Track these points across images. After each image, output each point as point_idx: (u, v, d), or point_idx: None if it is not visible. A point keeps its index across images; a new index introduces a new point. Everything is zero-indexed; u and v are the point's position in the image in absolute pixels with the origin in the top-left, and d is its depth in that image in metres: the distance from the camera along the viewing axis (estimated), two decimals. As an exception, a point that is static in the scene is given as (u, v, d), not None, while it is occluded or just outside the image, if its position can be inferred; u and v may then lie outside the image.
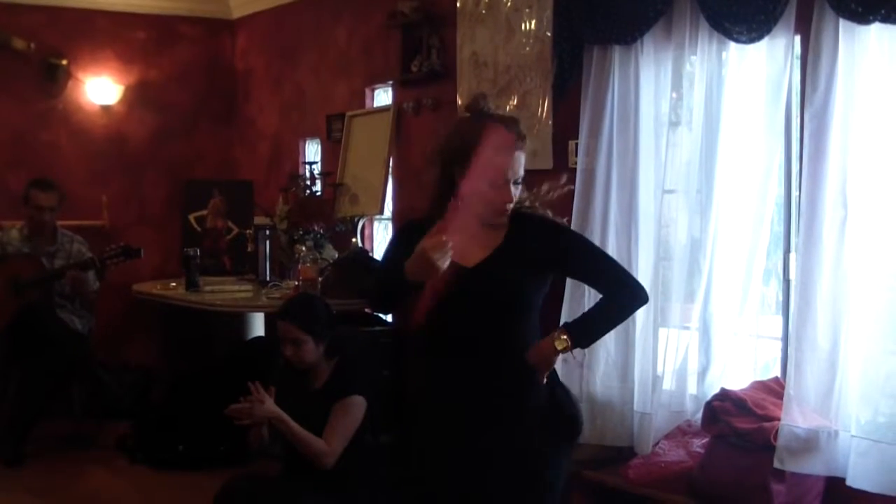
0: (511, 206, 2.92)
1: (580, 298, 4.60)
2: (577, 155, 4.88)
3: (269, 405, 3.75)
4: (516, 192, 2.92)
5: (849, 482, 3.71)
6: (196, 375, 6.09)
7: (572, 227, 4.67)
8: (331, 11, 7.10)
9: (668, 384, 4.46)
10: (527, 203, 3.05)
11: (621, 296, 3.04)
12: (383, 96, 6.82)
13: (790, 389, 3.89)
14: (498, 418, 2.94)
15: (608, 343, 4.59)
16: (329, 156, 7.11)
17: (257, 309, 6.20)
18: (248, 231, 7.05)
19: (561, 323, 4.63)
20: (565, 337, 2.93)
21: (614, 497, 4.34)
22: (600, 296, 3.09)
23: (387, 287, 3.00)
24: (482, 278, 2.92)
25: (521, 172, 2.92)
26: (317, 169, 6.95)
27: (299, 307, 4.08)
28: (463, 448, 2.96)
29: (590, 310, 3.12)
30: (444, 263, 2.71)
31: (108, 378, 6.67)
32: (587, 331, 3.04)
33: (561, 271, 3.15)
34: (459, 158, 2.88)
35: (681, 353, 4.43)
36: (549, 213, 3.08)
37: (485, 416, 2.95)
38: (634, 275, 4.41)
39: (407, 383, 4.48)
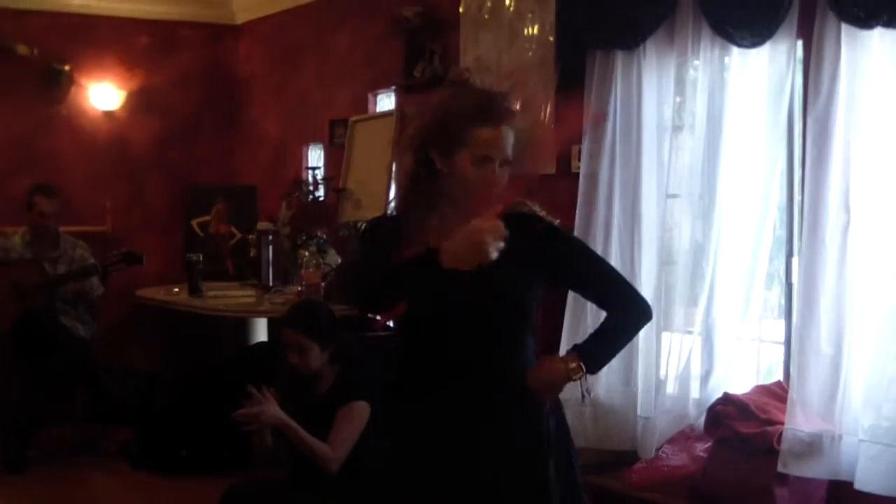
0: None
1: (579, 313, 4.63)
2: (579, 159, 4.88)
3: (276, 410, 3.75)
4: (504, 174, 2.53)
5: (857, 486, 3.71)
6: (199, 381, 6.08)
7: (575, 232, 4.68)
8: (334, 17, 7.10)
9: (671, 388, 4.47)
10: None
11: (627, 313, 2.70)
12: (386, 101, 6.82)
13: (793, 393, 3.90)
14: (500, 448, 2.57)
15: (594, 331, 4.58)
16: (332, 161, 7.11)
17: (260, 314, 6.19)
18: (251, 236, 7.05)
19: (562, 338, 4.69)
20: (576, 365, 2.57)
21: (617, 501, 4.34)
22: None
23: (383, 284, 2.53)
24: (484, 284, 2.48)
25: (510, 152, 2.52)
26: (320, 174, 6.96)
27: (304, 314, 4.08)
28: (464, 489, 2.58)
29: (597, 330, 2.71)
30: (494, 253, 2.34)
31: (111, 383, 6.64)
32: (600, 355, 2.68)
33: (556, 280, 2.71)
34: (440, 136, 2.53)
35: (684, 358, 4.43)
36: (539, 211, 2.68)
37: (486, 447, 2.57)
38: (638, 279, 4.46)
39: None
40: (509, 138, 2.51)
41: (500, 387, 2.58)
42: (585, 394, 2.64)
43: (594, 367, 2.65)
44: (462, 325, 2.54)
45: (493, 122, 2.48)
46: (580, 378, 2.59)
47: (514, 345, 2.62)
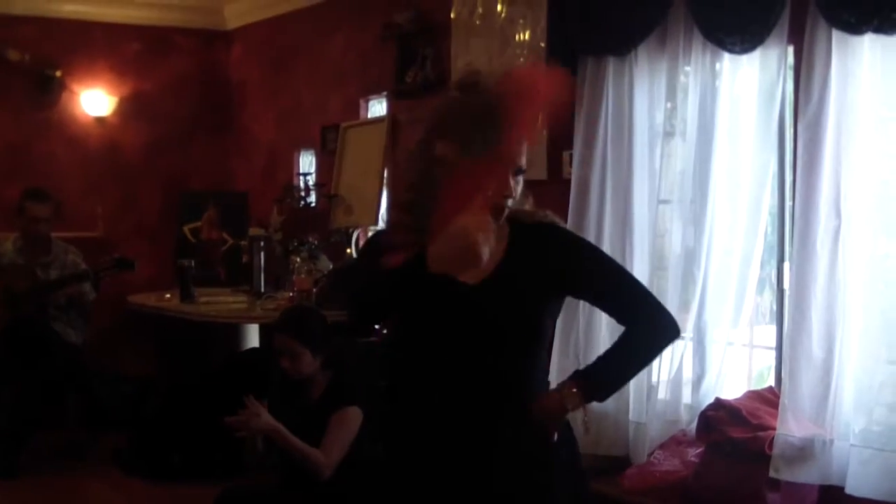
0: (511, 200, 2.35)
1: (571, 318, 4.63)
2: (571, 165, 4.88)
3: (266, 417, 3.74)
4: (517, 184, 2.36)
5: (848, 490, 3.72)
6: (191, 386, 6.07)
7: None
8: (326, 22, 7.11)
9: (662, 394, 4.47)
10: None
11: (645, 329, 2.45)
12: (378, 107, 6.83)
13: (785, 398, 3.90)
14: (498, 456, 2.37)
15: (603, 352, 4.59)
16: (324, 167, 7.12)
17: (252, 320, 6.19)
18: (242, 242, 7.04)
19: (554, 342, 4.67)
20: (576, 391, 2.35)
21: (610, 506, 4.35)
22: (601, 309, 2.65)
23: (373, 296, 2.43)
24: (492, 299, 2.33)
25: (524, 161, 2.36)
26: (311, 180, 6.96)
27: (296, 319, 4.08)
28: None
29: (607, 352, 2.48)
30: (485, 251, 2.21)
31: (103, 389, 6.64)
32: (604, 382, 2.44)
33: (572, 292, 2.53)
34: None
35: (675, 363, 4.43)
36: (551, 216, 2.51)
37: (482, 456, 2.36)
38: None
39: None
40: (524, 146, 2.36)
41: (502, 403, 2.36)
42: (585, 425, 2.48)
43: (599, 395, 2.42)
44: (459, 339, 2.34)
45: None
46: (577, 407, 2.38)
47: (519, 362, 2.39)
